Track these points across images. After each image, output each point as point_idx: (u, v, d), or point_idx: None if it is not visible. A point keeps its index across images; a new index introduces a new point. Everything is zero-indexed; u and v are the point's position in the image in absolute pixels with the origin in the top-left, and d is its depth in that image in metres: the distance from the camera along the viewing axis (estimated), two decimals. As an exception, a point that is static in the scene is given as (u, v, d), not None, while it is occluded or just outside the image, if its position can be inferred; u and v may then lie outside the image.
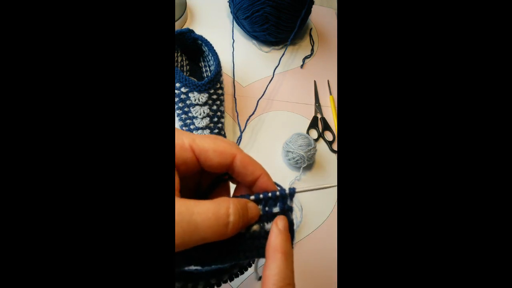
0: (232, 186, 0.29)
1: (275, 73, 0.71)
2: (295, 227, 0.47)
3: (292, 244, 0.24)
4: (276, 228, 0.24)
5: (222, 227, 0.20)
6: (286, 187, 0.25)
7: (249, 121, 0.61)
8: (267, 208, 0.25)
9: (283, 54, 0.70)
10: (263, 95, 0.65)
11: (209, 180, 0.28)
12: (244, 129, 0.60)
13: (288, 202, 0.25)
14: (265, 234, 0.25)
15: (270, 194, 0.25)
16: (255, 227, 0.25)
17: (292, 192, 0.25)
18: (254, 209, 0.24)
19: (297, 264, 0.52)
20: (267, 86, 0.65)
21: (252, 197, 0.25)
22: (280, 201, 0.25)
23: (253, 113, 0.62)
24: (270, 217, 0.25)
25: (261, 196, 0.25)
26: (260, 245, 0.25)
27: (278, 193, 0.25)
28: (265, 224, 0.25)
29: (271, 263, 0.22)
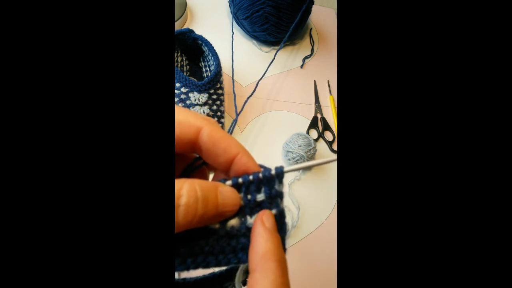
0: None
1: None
2: (289, 227, 0.35)
3: (284, 246, 0.19)
4: (262, 227, 0.18)
5: None
6: (286, 187, 0.21)
7: (238, 120, 0.61)
8: (249, 196, 0.19)
9: (279, 49, 0.70)
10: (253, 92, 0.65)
11: (181, 168, 0.23)
12: (234, 126, 0.60)
13: (276, 186, 0.20)
14: (247, 232, 0.19)
15: (251, 177, 0.19)
16: (234, 222, 0.19)
17: (280, 172, 0.20)
18: (229, 195, 0.19)
19: (296, 266, 0.52)
20: (259, 81, 0.65)
21: (229, 182, 0.19)
22: (265, 186, 0.19)
23: (239, 112, 0.61)
24: (254, 208, 0.19)
25: (240, 180, 0.19)
26: (241, 246, 0.19)
27: (261, 175, 0.19)
28: (248, 217, 0.19)
29: (262, 278, 0.16)
